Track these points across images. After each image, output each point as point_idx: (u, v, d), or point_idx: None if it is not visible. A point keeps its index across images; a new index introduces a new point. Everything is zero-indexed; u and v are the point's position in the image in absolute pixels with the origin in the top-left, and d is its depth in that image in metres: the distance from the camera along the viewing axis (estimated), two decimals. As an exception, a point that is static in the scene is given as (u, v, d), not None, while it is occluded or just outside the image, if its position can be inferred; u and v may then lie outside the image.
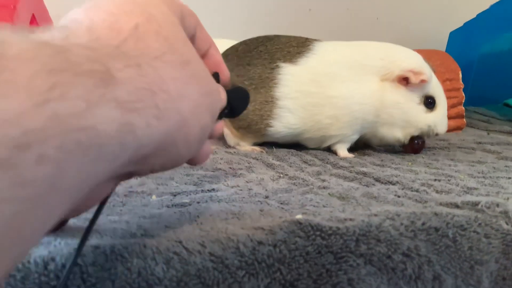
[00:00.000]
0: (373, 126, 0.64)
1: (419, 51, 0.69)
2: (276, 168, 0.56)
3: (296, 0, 1.21)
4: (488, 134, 0.83)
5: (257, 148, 0.66)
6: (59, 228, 0.30)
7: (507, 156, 0.64)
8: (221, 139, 0.71)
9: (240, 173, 0.53)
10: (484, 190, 0.44)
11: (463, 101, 0.86)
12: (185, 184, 0.48)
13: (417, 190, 0.44)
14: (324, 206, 0.39)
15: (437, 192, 0.44)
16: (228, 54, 0.67)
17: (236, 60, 0.66)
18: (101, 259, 0.25)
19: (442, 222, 0.32)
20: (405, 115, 0.62)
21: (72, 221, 0.32)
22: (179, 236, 0.28)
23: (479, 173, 0.53)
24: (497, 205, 0.36)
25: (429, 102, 0.63)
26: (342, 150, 0.65)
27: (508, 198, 0.40)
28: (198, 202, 0.40)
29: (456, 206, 0.36)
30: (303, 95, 0.63)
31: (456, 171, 0.54)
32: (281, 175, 0.53)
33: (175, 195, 0.42)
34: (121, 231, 0.30)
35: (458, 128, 0.86)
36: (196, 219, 0.34)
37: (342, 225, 0.30)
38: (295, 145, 0.69)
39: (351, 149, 0.67)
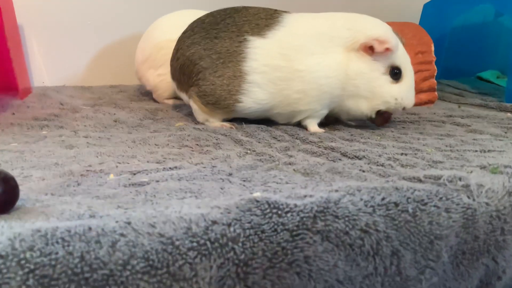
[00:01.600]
0: (340, 99, 0.63)
1: (391, 24, 0.67)
2: (244, 144, 0.55)
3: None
4: (459, 107, 0.84)
5: (227, 124, 0.65)
6: (4, 211, 0.29)
7: (476, 129, 0.64)
8: (190, 114, 0.69)
9: (207, 150, 0.52)
10: (449, 163, 0.44)
11: (435, 74, 0.85)
12: (148, 162, 0.46)
13: (382, 165, 0.44)
14: (287, 183, 0.38)
15: (402, 166, 0.43)
16: (194, 27, 0.65)
17: (203, 33, 0.63)
18: (41, 243, 0.23)
19: (402, 196, 0.31)
20: (370, 85, 0.61)
21: (20, 202, 0.31)
22: (129, 217, 0.27)
23: (446, 146, 0.53)
24: (460, 179, 0.36)
25: (395, 73, 0.62)
26: (312, 125, 0.64)
27: (471, 172, 0.40)
28: (157, 181, 0.39)
29: (419, 180, 0.36)
30: (271, 69, 0.61)
31: (424, 145, 0.54)
32: (249, 151, 0.52)
33: (134, 174, 0.41)
34: (69, 213, 0.28)
35: (430, 102, 0.86)
36: (152, 199, 0.33)
37: (300, 202, 0.29)
38: (266, 120, 0.67)
39: (322, 124, 0.66)
